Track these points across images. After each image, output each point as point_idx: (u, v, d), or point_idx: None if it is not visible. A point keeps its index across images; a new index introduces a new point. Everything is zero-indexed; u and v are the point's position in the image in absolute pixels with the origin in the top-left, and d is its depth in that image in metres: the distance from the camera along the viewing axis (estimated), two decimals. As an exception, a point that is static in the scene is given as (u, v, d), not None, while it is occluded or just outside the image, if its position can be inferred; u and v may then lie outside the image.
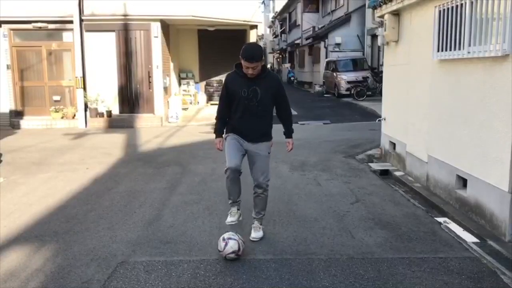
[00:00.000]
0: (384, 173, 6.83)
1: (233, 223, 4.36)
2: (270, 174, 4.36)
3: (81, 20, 12.16)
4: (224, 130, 4.29)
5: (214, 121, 4.35)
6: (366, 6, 19.26)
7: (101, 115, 12.50)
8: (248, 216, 4.82)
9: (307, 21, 29.22)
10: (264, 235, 4.34)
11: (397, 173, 6.63)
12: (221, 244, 3.80)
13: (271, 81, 4.14)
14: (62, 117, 12.58)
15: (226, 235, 3.85)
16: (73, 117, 12.60)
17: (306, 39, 28.32)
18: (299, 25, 31.11)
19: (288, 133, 4.40)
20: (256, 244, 4.15)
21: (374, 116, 11.99)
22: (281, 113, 4.35)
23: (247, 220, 4.77)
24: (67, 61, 12.80)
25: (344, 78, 19.60)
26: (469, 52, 4.58)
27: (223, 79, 4.31)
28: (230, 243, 3.77)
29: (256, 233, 4.29)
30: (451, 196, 5.09)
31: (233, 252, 3.77)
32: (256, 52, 3.96)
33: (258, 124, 4.15)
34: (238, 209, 4.44)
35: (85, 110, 12.39)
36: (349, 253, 3.94)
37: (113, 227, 4.64)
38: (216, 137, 4.28)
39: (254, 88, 4.02)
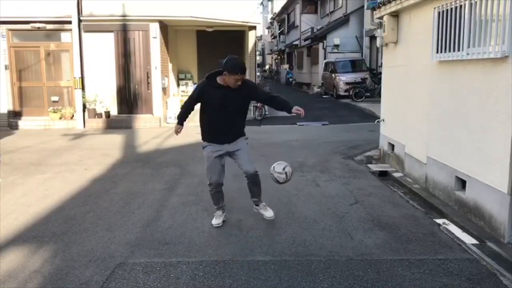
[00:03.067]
0: (383, 174, 6.82)
1: (219, 225, 4.63)
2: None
3: (79, 21, 12.15)
4: (202, 137, 4.57)
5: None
6: (365, 7, 19.28)
7: (100, 115, 12.49)
8: (245, 217, 4.83)
9: (306, 22, 29.22)
10: (263, 237, 4.34)
11: (396, 174, 6.63)
12: (282, 176, 4.33)
13: (246, 86, 4.40)
14: (60, 118, 12.55)
15: (278, 169, 4.39)
16: (72, 118, 12.58)
17: (305, 40, 28.32)
18: (297, 26, 31.12)
19: (288, 107, 4.42)
20: (255, 245, 4.14)
21: (372, 117, 12.00)
22: (270, 102, 4.57)
23: (245, 221, 4.77)
24: (66, 62, 12.78)
25: (343, 79, 19.62)
26: (468, 54, 4.58)
27: (199, 86, 4.54)
28: (287, 169, 4.39)
29: (268, 212, 4.65)
30: (450, 198, 5.09)
31: (292, 173, 4.46)
32: (244, 65, 4.35)
33: (233, 128, 4.47)
34: (223, 212, 4.75)
35: (84, 111, 12.38)
36: (348, 254, 3.93)
37: (111, 228, 4.63)
38: (177, 124, 4.69)
39: (231, 97, 4.29)
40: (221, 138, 4.44)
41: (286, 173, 4.39)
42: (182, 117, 4.69)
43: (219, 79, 4.33)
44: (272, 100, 4.53)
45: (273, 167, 4.47)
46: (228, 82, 4.24)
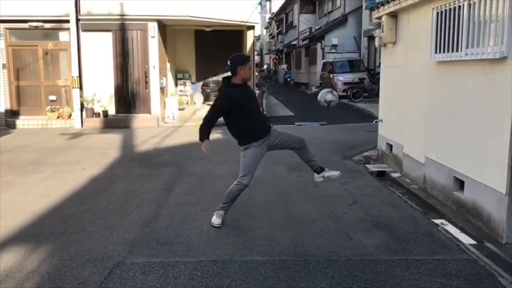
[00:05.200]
0: (381, 175, 6.83)
1: (219, 225, 4.60)
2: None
3: (77, 20, 12.10)
4: (243, 141, 4.52)
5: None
6: (363, 7, 19.33)
7: (97, 115, 12.45)
8: (244, 217, 4.84)
9: (304, 22, 29.21)
10: (261, 237, 4.34)
11: (394, 175, 6.63)
12: (322, 101, 4.58)
13: (248, 86, 4.69)
14: (58, 117, 12.52)
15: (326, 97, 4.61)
16: (69, 117, 12.55)
17: (303, 40, 28.32)
18: (295, 26, 31.11)
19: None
20: (254, 245, 4.14)
21: (370, 118, 11.98)
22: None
23: (244, 221, 4.77)
24: (63, 61, 12.74)
25: (341, 79, 19.61)
26: (466, 54, 4.59)
27: (226, 94, 4.47)
28: (327, 97, 4.63)
29: (333, 172, 4.94)
30: (448, 198, 5.10)
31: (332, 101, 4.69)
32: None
33: (265, 119, 4.80)
34: (225, 213, 4.70)
35: (81, 110, 12.34)
36: (347, 254, 3.93)
37: (109, 227, 4.62)
38: (204, 140, 4.42)
39: (248, 92, 4.58)
40: (263, 130, 4.53)
41: (326, 100, 4.80)
42: (208, 131, 4.48)
43: (235, 80, 4.45)
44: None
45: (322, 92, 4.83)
46: (245, 76, 4.44)
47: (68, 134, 11.08)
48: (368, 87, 18.97)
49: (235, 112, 4.39)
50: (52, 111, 12.47)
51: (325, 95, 4.62)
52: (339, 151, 8.62)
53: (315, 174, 4.93)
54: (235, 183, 4.56)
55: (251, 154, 4.47)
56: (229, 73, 4.45)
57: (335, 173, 4.92)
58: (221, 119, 4.49)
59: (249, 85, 4.63)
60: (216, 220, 4.62)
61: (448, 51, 4.99)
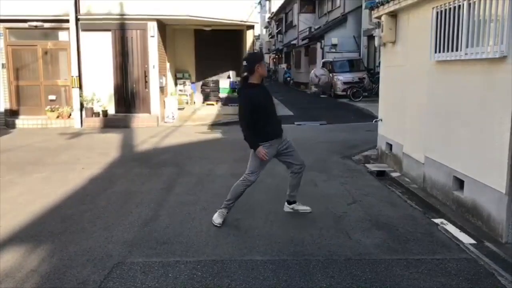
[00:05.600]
0: (381, 174, 6.83)
1: (220, 225, 4.60)
2: None
3: (77, 19, 12.10)
4: (257, 140, 4.50)
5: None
6: (363, 7, 19.32)
7: (97, 114, 12.45)
8: (244, 217, 4.84)
9: (304, 21, 29.22)
10: (261, 236, 4.34)
11: (394, 174, 6.63)
12: (315, 79, 4.71)
13: (264, 86, 4.75)
14: (58, 117, 12.51)
15: (316, 72, 4.73)
16: (69, 117, 12.54)
17: (303, 39, 28.32)
18: (295, 25, 31.11)
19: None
20: (254, 245, 4.14)
21: (370, 117, 12.00)
22: None
23: (243, 221, 4.77)
24: (63, 61, 12.73)
25: (341, 79, 19.61)
26: (466, 54, 4.58)
27: (247, 95, 4.51)
28: (322, 78, 4.66)
29: (305, 207, 5.02)
30: (448, 198, 5.10)
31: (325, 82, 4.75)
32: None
33: (279, 120, 4.72)
34: (227, 212, 4.71)
35: (81, 110, 12.34)
36: (347, 254, 3.93)
37: (109, 227, 4.61)
38: (258, 147, 4.45)
39: (264, 91, 4.61)
40: (277, 131, 4.62)
41: (316, 75, 4.84)
42: (254, 136, 4.46)
43: (253, 79, 4.52)
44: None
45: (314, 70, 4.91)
46: (262, 72, 4.52)
47: (67, 133, 11.08)
48: (367, 87, 18.97)
49: (255, 112, 4.43)
50: (52, 110, 12.47)
51: (316, 71, 4.80)
52: (338, 151, 8.62)
53: (286, 203, 5.01)
54: (241, 179, 4.61)
55: (264, 154, 4.49)
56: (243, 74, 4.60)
57: (307, 208, 5.00)
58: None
59: (265, 85, 4.69)
60: (217, 219, 4.62)
61: (448, 50, 4.98)
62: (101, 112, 12.45)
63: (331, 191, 5.94)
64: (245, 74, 4.56)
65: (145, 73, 12.63)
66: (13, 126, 12.31)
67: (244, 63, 4.54)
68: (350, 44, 23.08)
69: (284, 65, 36.95)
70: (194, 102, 16.92)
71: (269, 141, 4.51)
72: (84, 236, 4.37)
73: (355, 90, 18.42)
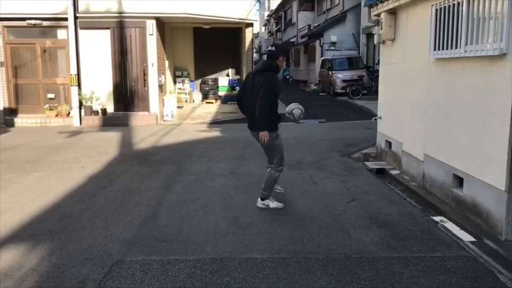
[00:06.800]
0: (380, 172, 6.82)
1: (282, 205, 5.07)
2: None
3: (75, 17, 12.08)
4: (274, 127, 4.78)
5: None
6: (362, 4, 19.32)
7: (96, 113, 12.44)
8: (243, 215, 4.83)
9: (303, 19, 29.19)
10: (261, 234, 4.34)
11: (393, 172, 6.63)
12: (291, 117, 4.97)
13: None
14: (57, 115, 12.49)
15: (288, 109, 5.00)
16: (68, 115, 12.53)
17: (302, 37, 28.29)
18: (294, 23, 31.09)
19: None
20: (253, 243, 4.14)
21: (369, 115, 12.00)
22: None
23: (243, 219, 4.76)
24: (62, 59, 12.71)
25: (340, 76, 19.60)
26: (465, 51, 4.57)
27: (272, 80, 4.71)
28: (294, 111, 4.98)
29: (277, 203, 5.15)
30: (448, 195, 5.10)
31: (300, 115, 5.04)
32: None
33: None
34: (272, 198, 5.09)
35: (80, 108, 12.33)
36: (346, 252, 3.93)
37: (108, 226, 4.61)
38: (275, 131, 4.80)
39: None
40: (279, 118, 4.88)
41: (293, 114, 5.00)
42: (275, 120, 4.78)
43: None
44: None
45: (288, 107, 5.07)
46: (281, 65, 4.85)
47: (66, 132, 11.06)
48: (367, 85, 18.96)
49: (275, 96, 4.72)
50: (51, 109, 12.45)
51: (289, 107, 5.04)
52: (338, 149, 8.62)
53: (259, 199, 5.11)
54: (274, 171, 4.92)
55: (281, 141, 4.87)
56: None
57: (279, 204, 5.10)
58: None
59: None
60: (273, 203, 5.02)
61: (447, 48, 4.97)
62: (100, 111, 12.44)
63: (330, 189, 5.94)
64: (266, 58, 4.85)
65: (144, 72, 12.61)
66: (12, 124, 12.29)
67: (272, 48, 4.76)
68: (349, 42, 23.07)
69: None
70: (193, 100, 16.91)
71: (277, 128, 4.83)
72: (83, 235, 4.37)
73: (354, 88, 18.41)
